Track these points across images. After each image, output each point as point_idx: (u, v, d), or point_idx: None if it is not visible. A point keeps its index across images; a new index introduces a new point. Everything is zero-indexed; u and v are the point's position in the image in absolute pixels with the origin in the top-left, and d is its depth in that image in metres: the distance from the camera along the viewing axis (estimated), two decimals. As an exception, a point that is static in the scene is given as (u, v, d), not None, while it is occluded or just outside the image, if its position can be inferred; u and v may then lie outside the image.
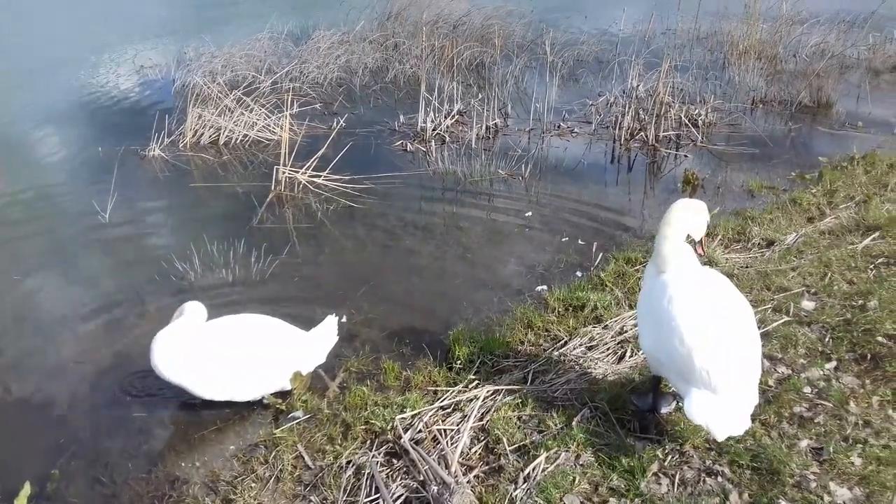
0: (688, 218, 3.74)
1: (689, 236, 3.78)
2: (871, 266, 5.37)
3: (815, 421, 3.78)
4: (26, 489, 3.79)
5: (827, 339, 4.47)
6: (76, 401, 4.76)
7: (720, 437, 3.31)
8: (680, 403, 3.82)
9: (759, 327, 4.57)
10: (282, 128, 8.81)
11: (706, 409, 3.34)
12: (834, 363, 4.25)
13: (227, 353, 4.44)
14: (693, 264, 3.74)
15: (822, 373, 4.17)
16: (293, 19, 15.06)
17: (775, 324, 4.68)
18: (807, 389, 4.03)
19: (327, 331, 4.90)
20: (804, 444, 3.62)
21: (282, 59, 12.87)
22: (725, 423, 3.31)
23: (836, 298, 4.93)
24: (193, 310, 4.53)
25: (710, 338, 3.38)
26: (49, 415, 4.64)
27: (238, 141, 9.72)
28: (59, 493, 4.01)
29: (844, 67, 13.22)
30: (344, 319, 5.37)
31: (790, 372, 4.22)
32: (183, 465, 4.19)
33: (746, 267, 5.82)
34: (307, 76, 12.33)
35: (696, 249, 3.85)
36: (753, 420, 3.62)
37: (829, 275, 5.29)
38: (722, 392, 3.35)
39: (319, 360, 4.83)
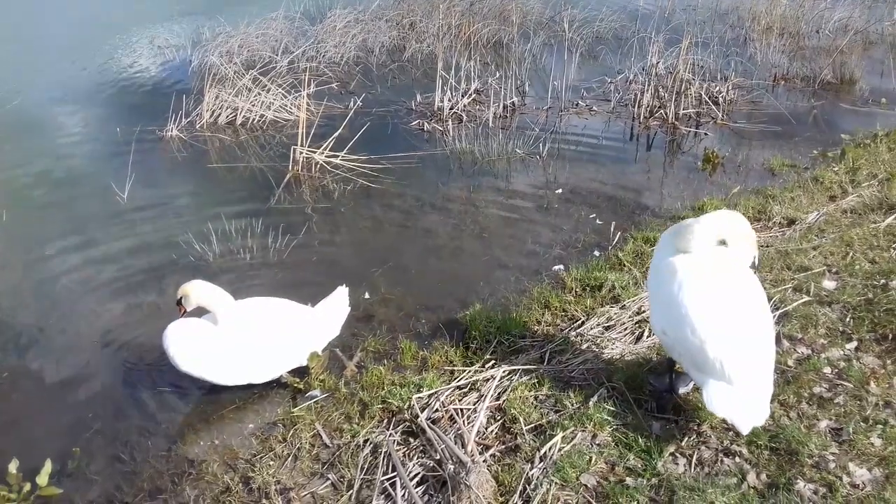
0: (721, 227, 3.62)
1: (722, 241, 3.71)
2: (894, 245, 5.29)
3: (835, 401, 3.75)
4: (48, 467, 3.84)
5: (848, 319, 4.42)
6: (96, 379, 4.82)
7: (745, 430, 3.30)
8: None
9: (779, 307, 4.57)
10: (299, 108, 8.80)
11: (727, 403, 3.32)
12: (855, 343, 4.21)
13: (242, 341, 4.46)
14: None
15: (842, 353, 4.12)
16: (309, -2, 15.00)
17: (796, 303, 4.63)
18: (827, 370, 3.99)
19: (338, 302, 4.92)
20: (823, 424, 3.59)
21: (298, 38, 12.82)
22: (748, 415, 3.29)
23: (858, 278, 4.87)
24: (199, 292, 4.50)
25: (722, 328, 3.34)
26: (70, 393, 4.71)
27: (255, 121, 9.72)
28: (81, 470, 4.07)
29: (868, 43, 12.99)
30: (367, 296, 5.41)
31: (810, 352, 4.18)
32: (202, 443, 4.24)
33: (767, 246, 5.76)
34: (324, 56, 12.28)
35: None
36: (773, 400, 3.60)
37: (851, 254, 5.22)
38: (738, 383, 3.32)
39: (333, 333, 4.85)
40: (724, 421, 3.56)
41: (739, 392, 3.33)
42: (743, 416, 3.28)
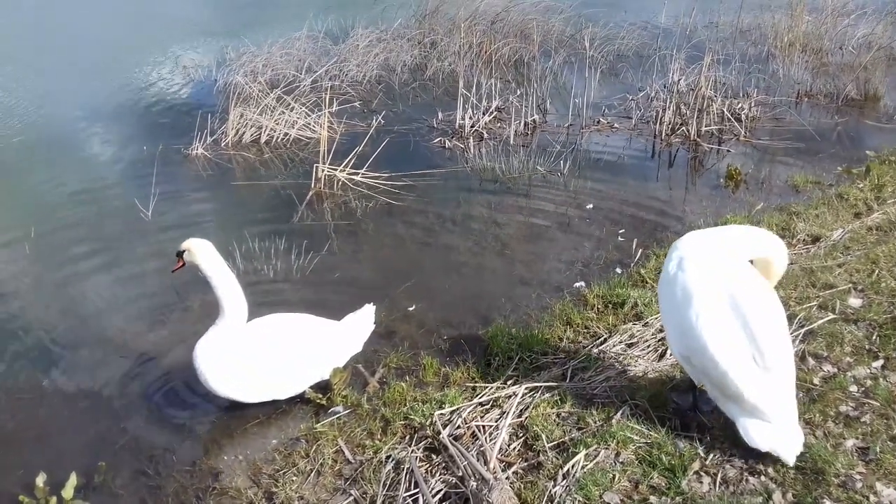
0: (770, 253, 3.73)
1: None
2: (921, 262, 5.24)
3: (862, 420, 3.70)
4: (73, 480, 3.87)
5: (874, 337, 4.37)
6: (121, 394, 4.86)
7: (791, 461, 3.33)
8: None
9: (804, 325, 4.53)
10: (321, 126, 8.89)
11: (767, 435, 3.36)
12: (881, 361, 4.16)
13: (271, 360, 4.49)
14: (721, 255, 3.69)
15: (868, 371, 4.08)
16: (331, 18, 15.15)
17: (821, 321, 4.59)
18: (853, 388, 3.95)
19: (363, 319, 4.95)
20: (850, 443, 3.55)
21: (321, 57, 12.94)
22: (791, 444, 3.32)
23: (884, 295, 4.82)
24: (202, 253, 4.47)
25: (744, 360, 3.36)
26: (97, 408, 4.75)
27: (279, 139, 9.82)
28: (107, 484, 4.10)
29: (892, 59, 12.89)
30: (412, 308, 5.57)
31: (836, 370, 4.14)
32: (226, 458, 4.26)
33: (791, 263, 5.71)
34: (346, 74, 12.40)
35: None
36: (798, 419, 3.55)
37: (877, 271, 5.17)
38: (768, 415, 3.35)
39: (356, 349, 4.87)
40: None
41: (774, 423, 3.35)
42: (787, 447, 3.32)
